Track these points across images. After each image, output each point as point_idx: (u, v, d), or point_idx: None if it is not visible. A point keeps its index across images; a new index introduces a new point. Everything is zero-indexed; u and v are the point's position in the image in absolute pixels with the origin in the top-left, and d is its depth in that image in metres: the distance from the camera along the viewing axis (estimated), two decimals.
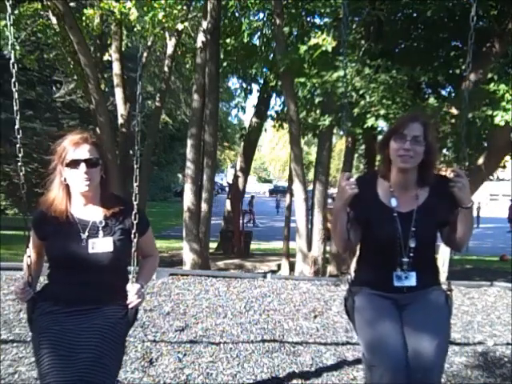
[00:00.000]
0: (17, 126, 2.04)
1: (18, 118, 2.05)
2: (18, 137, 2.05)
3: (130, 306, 2.05)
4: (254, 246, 11.62)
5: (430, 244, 2.15)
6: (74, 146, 1.99)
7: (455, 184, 2.02)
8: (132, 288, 2.05)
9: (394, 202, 2.10)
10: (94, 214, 2.05)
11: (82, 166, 1.97)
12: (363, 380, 3.28)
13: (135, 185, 2.12)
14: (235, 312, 4.80)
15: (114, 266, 2.03)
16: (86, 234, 2.01)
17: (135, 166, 2.14)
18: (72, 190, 2.05)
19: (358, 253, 2.29)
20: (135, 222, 2.04)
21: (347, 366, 3.52)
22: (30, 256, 2.06)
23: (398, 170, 2.08)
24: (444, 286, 2.22)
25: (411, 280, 2.08)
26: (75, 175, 1.98)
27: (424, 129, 2.04)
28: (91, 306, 1.98)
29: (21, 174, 2.08)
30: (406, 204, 2.09)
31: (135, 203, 2.06)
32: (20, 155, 2.05)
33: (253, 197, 23.14)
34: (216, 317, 4.61)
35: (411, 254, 2.06)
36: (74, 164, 1.97)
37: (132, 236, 2.04)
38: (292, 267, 7.76)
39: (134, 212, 2.04)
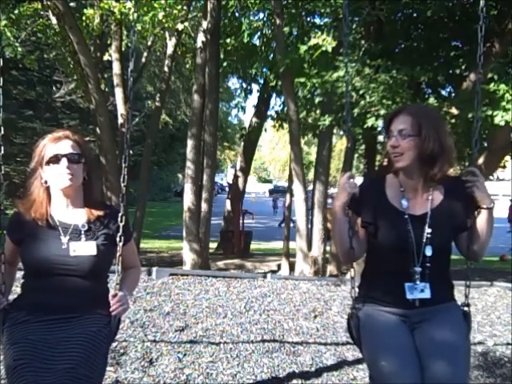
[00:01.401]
0: None
1: (0, 114, 1.95)
2: (0, 134, 1.95)
3: (113, 314, 1.91)
4: (254, 246, 11.61)
5: (447, 252, 1.93)
6: (54, 142, 1.90)
7: (473, 183, 1.84)
8: (116, 295, 1.94)
9: (404, 204, 1.89)
10: (76, 217, 1.93)
11: (63, 160, 1.86)
12: (363, 380, 3.29)
13: (123, 185, 2.02)
14: (235, 312, 4.80)
15: (95, 272, 1.91)
16: (67, 237, 1.89)
17: (123, 165, 2.03)
18: (53, 191, 1.93)
19: (363, 264, 2.06)
20: (121, 224, 1.93)
21: (347, 366, 3.52)
22: (4, 263, 1.91)
23: (400, 170, 1.90)
24: (458, 293, 2.02)
25: (425, 292, 1.85)
26: (56, 171, 1.86)
27: (413, 119, 1.83)
28: (69, 315, 1.85)
29: (0, 173, 1.96)
30: (419, 206, 1.88)
31: (122, 204, 1.96)
32: (0, 153, 1.95)
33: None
34: (216, 317, 4.61)
35: (427, 264, 1.84)
36: (54, 160, 1.87)
37: (117, 239, 1.92)
38: (292, 267, 7.75)
39: (120, 214, 1.94)
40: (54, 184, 1.91)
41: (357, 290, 2.03)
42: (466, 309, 1.98)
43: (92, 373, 1.74)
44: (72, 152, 1.89)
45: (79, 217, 1.94)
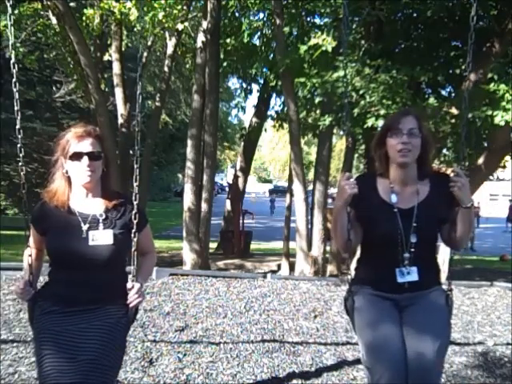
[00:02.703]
0: (17, 126, 2.04)
1: (18, 118, 2.05)
2: (19, 137, 2.05)
3: (130, 306, 2.03)
4: (254, 246, 11.61)
5: (432, 240, 2.14)
6: (77, 139, 2.00)
7: (455, 184, 2.01)
8: (132, 287, 2.04)
9: (394, 199, 2.10)
10: (95, 206, 2.04)
11: (85, 158, 1.97)
12: (363, 380, 3.29)
13: (135, 184, 2.11)
14: (235, 312, 4.81)
15: (113, 260, 2.02)
16: (87, 226, 2.00)
17: (135, 166, 2.14)
18: (73, 183, 2.05)
19: (359, 252, 2.28)
20: (135, 222, 2.03)
21: (347, 366, 3.52)
22: (30, 255, 2.04)
23: (398, 166, 2.09)
24: (444, 286, 2.21)
25: (413, 275, 2.06)
26: (77, 168, 1.99)
27: (417, 122, 2.06)
28: (91, 306, 1.97)
29: (21, 173, 2.07)
30: (407, 200, 2.09)
31: (135, 203, 2.06)
32: (21, 155, 2.06)
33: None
34: (216, 317, 4.61)
35: (412, 249, 2.05)
36: (76, 157, 1.98)
37: (132, 235, 2.03)
38: (292, 267, 7.76)
39: (134, 212, 2.04)
40: (76, 179, 2.03)
41: (353, 273, 2.26)
42: (448, 293, 2.16)
43: (111, 362, 1.90)
44: (93, 150, 2.00)
45: (97, 206, 2.05)
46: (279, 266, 8.56)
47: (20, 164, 2.06)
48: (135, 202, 2.06)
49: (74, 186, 2.05)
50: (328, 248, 7.88)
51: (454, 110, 6.28)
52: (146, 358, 3.49)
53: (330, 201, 10.07)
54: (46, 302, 1.99)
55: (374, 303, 2.09)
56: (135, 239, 2.04)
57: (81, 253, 1.96)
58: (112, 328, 1.95)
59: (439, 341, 1.95)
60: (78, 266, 1.96)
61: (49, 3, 8.09)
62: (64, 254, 1.98)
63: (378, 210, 2.10)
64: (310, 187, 8.45)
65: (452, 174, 2.07)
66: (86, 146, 2.00)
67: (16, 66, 2.07)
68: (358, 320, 2.11)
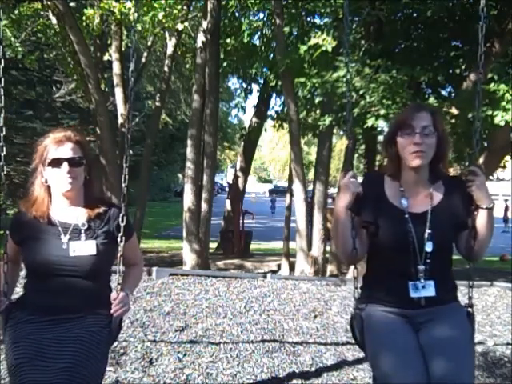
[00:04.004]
0: (0, 124, 1.96)
1: (2, 115, 1.97)
2: (1, 135, 1.96)
3: (114, 315, 1.91)
4: (254, 246, 11.60)
5: (448, 249, 1.90)
6: (56, 145, 1.89)
7: (473, 183, 1.81)
8: (117, 296, 1.93)
9: (404, 203, 1.86)
10: (76, 216, 1.93)
11: (65, 165, 1.86)
12: (363, 380, 3.29)
13: (124, 185, 2.01)
14: (235, 312, 4.80)
15: (96, 272, 1.91)
16: (67, 236, 1.89)
17: (124, 165, 2.02)
18: (53, 191, 1.94)
19: (365, 264, 2.03)
20: (122, 225, 1.92)
21: (347, 366, 3.52)
22: (6, 262, 1.91)
23: (409, 168, 1.85)
24: (459, 293, 2.00)
25: (429, 290, 1.82)
26: (57, 175, 1.87)
27: (433, 118, 1.82)
28: (70, 316, 1.86)
29: (2, 174, 1.98)
30: (419, 204, 1.87)
31: (123, 205, 1.95)
32: (2, 154, 1.96)
33: None
34: (216, 317, 4.61)
35: (428, 260, 1.81)
36: (56, 163, 1.87)
37: (118, 239, 1.92)
38: (292, 267, 7.75)
39: (121, 214, 1.94)
40: (55, 187, 1.92)
41: (359, 290, 1.99)
42: (469, 309, 1.96)
43: (90, 372, 1.76)
44: (73, 156, 1.89)
45: (79, 216, 1.94)
46: (279, 266, 8.55)
47: (1, 164, 1.97)
48: (123, 204, 1.95)
49: (55, 195, 1.94)
50: (328, 248, 7.88)
51: (454, 110, 6.28)
52: (145, 358, 3.49)
53: (330, 201, 10.06)
54: (22, 312, 1.88)
55: (386, 322, 1.84)
56: (122, 244, 1.92)
57: (61, 264, 1.85)
58: (92, 337, 1.83)
59: (465, 365, 1.74)
60: (58, 276, 1.86)
61: (49, 3, 8.07)
62: (42, 265, 1.86)
63: (386, 215, 1.86)
64: (310, 187, 8.45)
65: (467, 174, 1.86)
66: (66, 151, 1.88)
67: (2, 61, 1.98)
68: (369, 343, 1.86)
